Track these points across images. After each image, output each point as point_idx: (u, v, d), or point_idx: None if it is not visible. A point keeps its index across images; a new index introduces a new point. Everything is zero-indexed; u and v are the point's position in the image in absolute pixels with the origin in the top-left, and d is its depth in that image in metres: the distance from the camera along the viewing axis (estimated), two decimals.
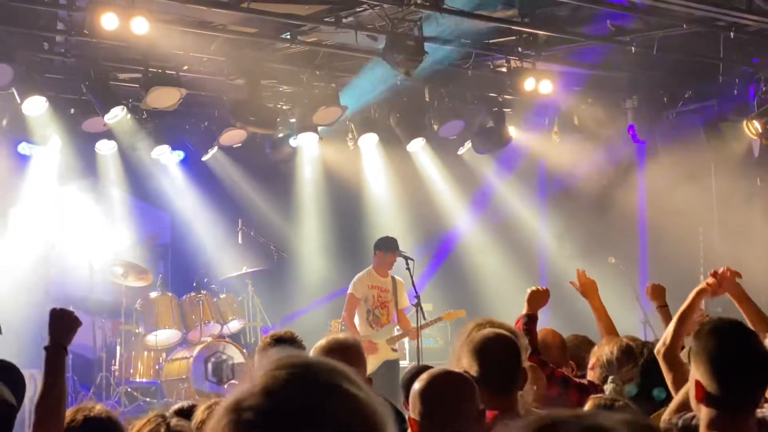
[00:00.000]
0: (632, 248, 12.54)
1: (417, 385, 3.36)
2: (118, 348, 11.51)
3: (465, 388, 3.37)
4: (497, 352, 3.82)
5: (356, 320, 10.46)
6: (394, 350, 10.58)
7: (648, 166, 12.50)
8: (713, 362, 3.30)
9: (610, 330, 5.73)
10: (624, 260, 11.36)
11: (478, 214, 13.59)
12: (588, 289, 5.99)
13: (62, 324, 3.93)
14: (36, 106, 10.12)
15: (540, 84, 10.88)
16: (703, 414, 3.29)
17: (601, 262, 11.06)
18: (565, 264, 12.59)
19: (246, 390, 1.48)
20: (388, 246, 10.62)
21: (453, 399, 3.32)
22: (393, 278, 10.67)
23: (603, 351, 5.04)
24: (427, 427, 3.26)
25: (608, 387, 4.83)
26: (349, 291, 10.56)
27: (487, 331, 3.96)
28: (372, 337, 10.17)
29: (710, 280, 4.95)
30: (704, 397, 3.28)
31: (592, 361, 5.10)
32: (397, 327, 10.63)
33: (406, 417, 4.01)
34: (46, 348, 3.87)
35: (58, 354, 3.85)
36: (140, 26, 8.74)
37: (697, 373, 3.33)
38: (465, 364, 3.82)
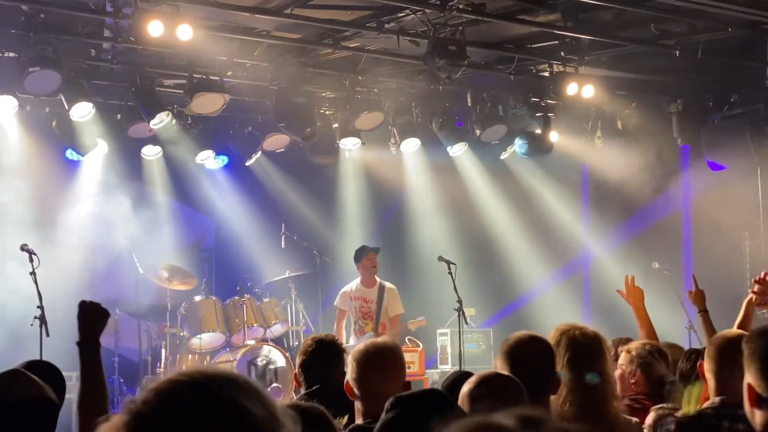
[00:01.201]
0: (676, 253, 12.42)
1: (466, 387, 3.38)
2: (163, 351, 11.63)
3: (514, 390, 3.37)
4: (529, 355, 3.81)
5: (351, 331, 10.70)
6: None
7: (692, 171, 12.38)
8: (763, 363, 3.25)
9: (651, 339, 5.70)
10: (668, 265, 11.27)
11: (521, 219, 13.53)
12: (634, 297, 5.96)
13: (92, 317, 3.79)
14: (83, 112, 10.28)
15: (583, 89, 10.85)
16: (757, 418, 3.22)
17: (644, 267, 11.00)
18: (608, 269, 12.52)
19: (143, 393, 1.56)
20: (357, 256, 10.94)
21: (502, 401, 3.32)
22: (382, 286, 10.79)
23: (634, 345, 4.99)
24: None
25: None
26: (334, 304, 10.92)
27: (522, 333, 3.95)
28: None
29: (755, 288, 4.90)
30: (756, 400, 3.22)
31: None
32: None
33: None
34: (78, 344, 3.71)
35: (91, 348, 3.70)
36: (185, 33, 8.85)
37: (748, 376, 3.28)
38: (498, 366, 3.83)
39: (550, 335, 4.18)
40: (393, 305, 10.79)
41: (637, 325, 5.89)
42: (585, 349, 4.04)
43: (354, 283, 10.98)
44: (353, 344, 10.11)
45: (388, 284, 10.92)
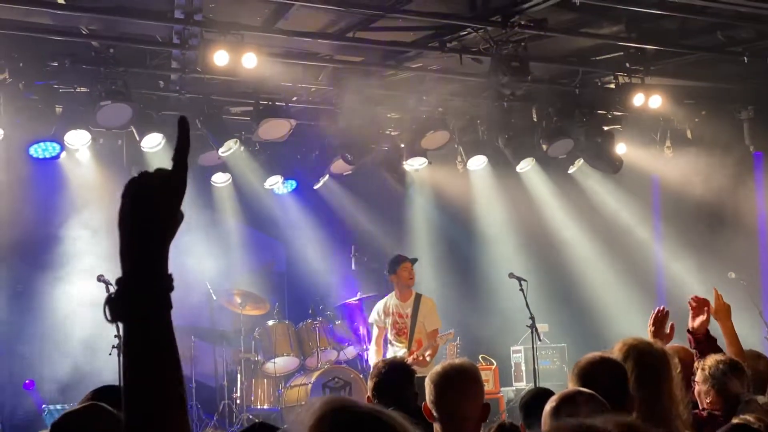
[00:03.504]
0: (753, 262, 12.18)
1: (549, 406, 3.36)
2: (238, 376, 11.73)
3: (596, 407, 3.35)
4: (600, 377, 3.76)
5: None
6: None
7: (766, 177, 12.15)
8: None
9: (739, 356, 5.54)
10: (745, 275, 11.05)
11: (591, 233, 13.40)
12: (722, 313, 5.85)
13: None
14: (154, 143, 10.48)
15: (650, 99, 10.74)
16: None
17: (720, 278, 10.79)
18: (682, 280, 12.32)
19: None
20: (390, 267, 10.19)
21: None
22: (417, 299, 10.05)
23: (708, 363, 4.83)
24: None
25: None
26: (369, 321, 10.58)
27: (592, 355, 3.91)
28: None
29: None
30: None
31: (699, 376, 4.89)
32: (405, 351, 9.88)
33: None
34: None
35: None
36: (250, 61, 9.00)
37: None
38: (570, 388, 3.80)
39: (616, 349, 4.11)
40: (429, 319, 9.97)
41: (725, 343, 5.74)
42: (652, 365, 3.96)
43: (388, 297, 10.29)
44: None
45: (424, 296, 10.19)
